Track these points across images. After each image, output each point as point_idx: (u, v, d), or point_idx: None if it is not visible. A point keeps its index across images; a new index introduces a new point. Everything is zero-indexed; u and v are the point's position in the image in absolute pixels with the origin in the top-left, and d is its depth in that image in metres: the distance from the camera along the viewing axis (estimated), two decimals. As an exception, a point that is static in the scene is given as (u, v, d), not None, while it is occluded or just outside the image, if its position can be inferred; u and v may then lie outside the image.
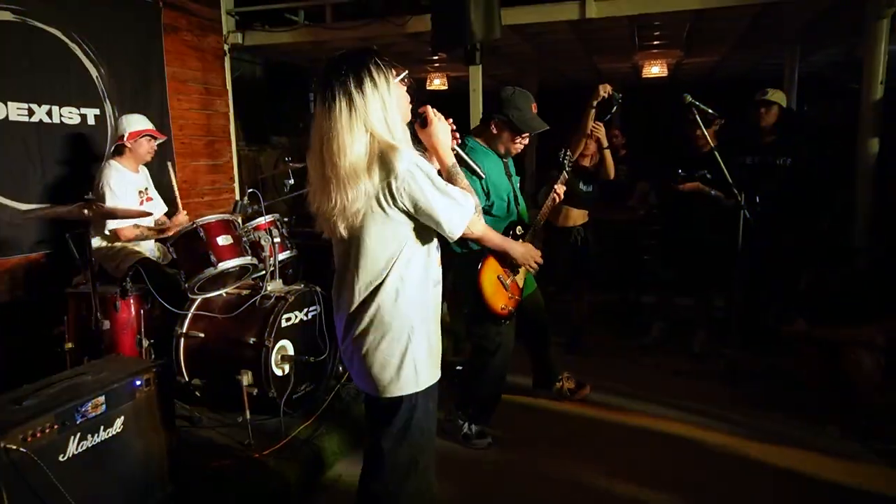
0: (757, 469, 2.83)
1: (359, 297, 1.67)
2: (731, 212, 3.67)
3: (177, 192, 3.67)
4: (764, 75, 7.63)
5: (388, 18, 5.00)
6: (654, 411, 3.42)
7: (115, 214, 3.13)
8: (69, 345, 3.06)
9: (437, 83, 7.70)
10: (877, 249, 3.84)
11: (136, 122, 3.51)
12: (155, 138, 3.59)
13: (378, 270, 1.65)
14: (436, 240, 1.78)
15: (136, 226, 3.44)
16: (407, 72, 1.75)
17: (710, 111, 3.66)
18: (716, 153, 3.58)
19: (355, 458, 2.95)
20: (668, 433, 3.17)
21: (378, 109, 1.59)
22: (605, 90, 3.39)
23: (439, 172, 1.76)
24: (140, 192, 3.54)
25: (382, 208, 1.60)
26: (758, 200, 3.63)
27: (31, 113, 3.72)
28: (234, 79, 5.68)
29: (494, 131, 2.86)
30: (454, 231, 1.67)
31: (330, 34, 5.28)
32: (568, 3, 4.47)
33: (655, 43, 6.05)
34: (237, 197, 5.28)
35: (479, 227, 2.00)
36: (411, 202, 1.60)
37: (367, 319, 1.67)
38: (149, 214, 3.35)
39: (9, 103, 3.59)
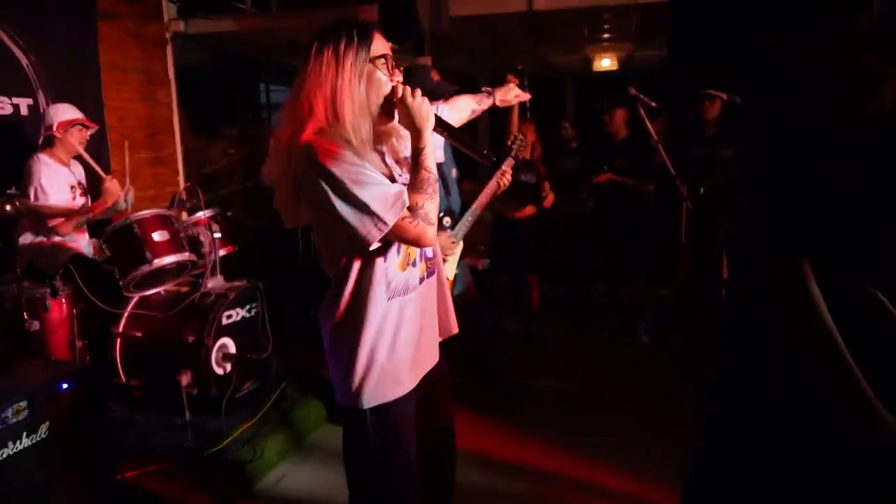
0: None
1: None
2: (667, 203, 3.76)
3: (126, 173, 3.46)
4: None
5: (335, 7, 4.90)
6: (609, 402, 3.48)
7: (38, 211, 2.98)
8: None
9: (390, 74, 7.62)
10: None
11: (64, 112, 3.33)
12: (87, 127, 3.43)
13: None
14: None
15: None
16: (388, 55, 1.53)
17: (653, 104, 3.71)
18: (658, 145, 3.64)
19: (298, 459, 2.92)
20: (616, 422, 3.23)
21: (325, 83, 1.43)
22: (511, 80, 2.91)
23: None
24: (72, 186, 3.38)
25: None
26: (702, 192, 3.72)
27: (-46, 103, 3.52)
28: (180, 68, 5.49)
29: None
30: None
31: (276, 22, 5.17)
32: (515, -6, 4.48)
33: (605, 36, 6.11)
34: (188, 192, 5.13)
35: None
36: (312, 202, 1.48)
37: None
38: (73, 211, 3.19)
39: (-73, 93, 3.40)
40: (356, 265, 1.52)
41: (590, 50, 6.76)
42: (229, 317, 3.10)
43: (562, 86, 9.59)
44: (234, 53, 6.83)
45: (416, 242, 1.51)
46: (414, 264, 1.60)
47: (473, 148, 1.73)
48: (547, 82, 9.54)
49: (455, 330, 1.82)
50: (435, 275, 1.70)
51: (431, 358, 1.71)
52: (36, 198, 3.13)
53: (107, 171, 4.33)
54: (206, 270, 3.16)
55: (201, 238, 3.15)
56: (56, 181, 3.27)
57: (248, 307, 3.23)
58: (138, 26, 4.97)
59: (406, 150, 1.60)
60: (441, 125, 1.62)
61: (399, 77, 1.57)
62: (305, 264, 4.65)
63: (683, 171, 3.73)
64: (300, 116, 1.45)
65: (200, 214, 3.29)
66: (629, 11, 4.92)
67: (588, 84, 8.90)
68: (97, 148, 4.33)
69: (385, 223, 1.42)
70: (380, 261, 1.51)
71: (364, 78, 1.46)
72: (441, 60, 7.08)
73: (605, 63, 6.98)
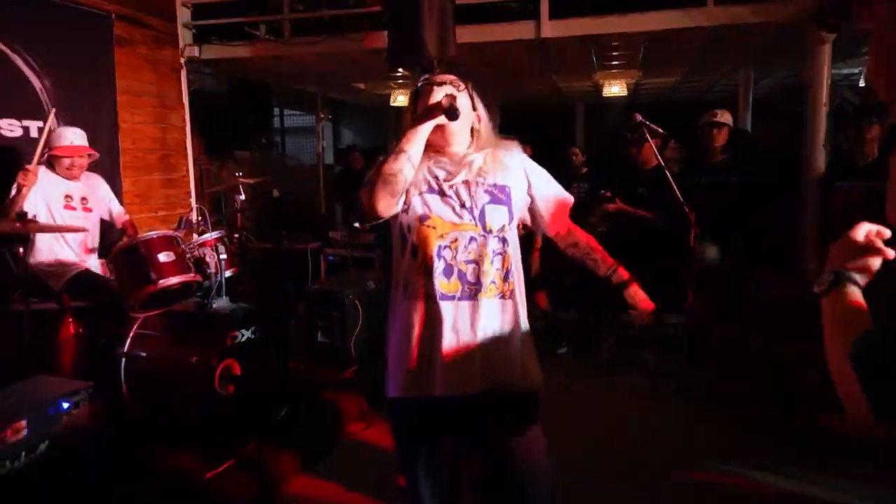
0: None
1: None
2: (672, 231, 3.74)
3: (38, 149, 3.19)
4: (720, 97, 7.84)
5: (345, 34, 4.99)
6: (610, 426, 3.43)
7: (49, 230, 3.02)
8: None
9: (402, 99, 7.71)
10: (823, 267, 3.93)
11: (56, 137, 3.34)
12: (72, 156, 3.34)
13: None
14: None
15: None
16: (427, 77, 1.76)
17: (660, 130, 3.72)
18: (666, 171, 3.63)
19: (305, 477, 2.89)
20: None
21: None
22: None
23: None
24: (67, 195, 3.35)
25: None
26: (707, 218, 3.70)
27: (-36, 126, 3.59)
28: (194, 92, 5.60)
29: None
30: None
31: (288, 49, 5.26)
32: (522, 23, 4.53)
33: (614, 63, 6.16)
34: (196, 214, 5.19)
35: None
36: None
37: None
38: (79, 230, 3.21)
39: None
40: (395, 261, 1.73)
41: (599, 76, 6.81)
42: (234, 338, 3.09)
43: (572, 111, 9.64)
44: (247, 78, 6.95)
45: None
46: (429, 273, 1.62)
47: None
48: (555, 108, 9.62)
49: (520, 385, 1.69)
50: (479, 304, 1.64)
51: (465, 386, 1.63)
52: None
53: (119, 193, 4.41)
54: (211, 291, 3.17)
55: (207, 259, 3.17)
56: (40, 183, 3.18)
57: (253, 328, 3.23)
58: (153, 51, 5.08)
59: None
60: None
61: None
62: (313, 286, 4.66)
63: (691, 198, 3.72)
64: None
65: (207, 236, 3.32)
66: (635, 39, 4.96)
67: (599, 109, 8.95)
68: (110, 169, 4.41)
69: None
70: (400, 260, 1.70)
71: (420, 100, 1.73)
72: (450, 87, 7.19)
73: (615, 89, 7.03)
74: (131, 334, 3.15)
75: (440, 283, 1.62)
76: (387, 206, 1.60)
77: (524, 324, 1.73)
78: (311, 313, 4.25)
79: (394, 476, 2.69)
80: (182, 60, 5.35)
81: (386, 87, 7.61)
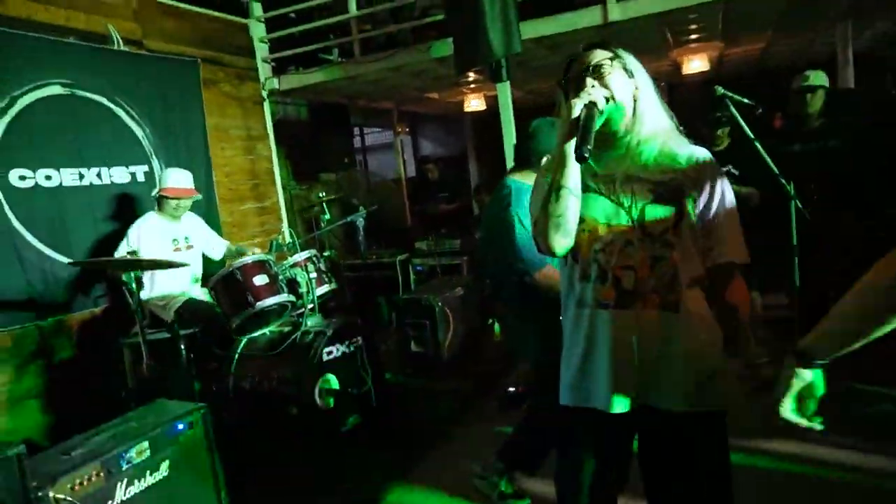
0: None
1: None
2: (773, 206, 3.48)
3: None
4: (816, 58, 7.24)
5: (413, 46, 5.06)
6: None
7: (158, 266, 3.26)
8: (125, 391, 3.19)
9: (475, 104, 7.72)
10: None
11: (165, 178, 3.68)
12: (180, 197, 3.67)
13: None
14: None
15: None
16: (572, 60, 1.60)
17: (745, 101, 3.48)
18: (757, 145, 3.40)
19: (403, 483, 2.94)
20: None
21: None
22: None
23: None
24: (174, 239, 3.67)
25: None
26: (813, 188, 3.43)
27: (81, 177, 3.96)
28: (277, 121, 5.89)
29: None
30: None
31: (360, 68, 5.40)
32: (588, 10, 4.40)
33: (692, 37, 5.85)
34: (287, 236, 5.44)
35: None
36: None
37: None
38: (181, 265, 3.45)
39: (62, 170, 3.84)
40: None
41: (677, 53, 6.49)
42: (329, 353, 3.21)
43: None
44: (325, 102, 7.22)
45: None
46: (587, 279, 1.53)
47: None
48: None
49: (681, 407, 1.49)
50: (636, 315, 1.49)
51: (618, 401, 1.51)
52: (120, 248, 3.45)
53: (217, 225, 4.72)
54: (304, 309, 3.30)
55: (298, 279, 3.31)
56: (150, 230, 3.58)
57: (347, 343, 3.33)
58: (236, 88, 5.40)
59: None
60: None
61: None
62: (403, 296, 4.75)
63: (790, 168, 3.45)
64: None
65: (297, 257, 3.47)
66: (712, 7, 4.68)
67: (680, 87, 8.53)
68: (208, 203, 4.71)
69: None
70: (563, 263, 1.62)
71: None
72: (522, 84, 7.11)
73: (696, 65, 6.67)
74: (236, 356, 3.34)
75: (596, 290, 1.51)
76: (564, 245, 1.49)
77: (700, 340, 1.50)
78: (402, 323, 4.33)
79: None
80: (263, 93, 5.65)
81: (458, 93, 7.64)
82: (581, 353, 1.55)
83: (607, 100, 1.47)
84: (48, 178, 3.77)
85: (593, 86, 1.48)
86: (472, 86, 7.23)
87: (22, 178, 3.64)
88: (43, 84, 3.78)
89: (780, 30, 5.86)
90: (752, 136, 3.49)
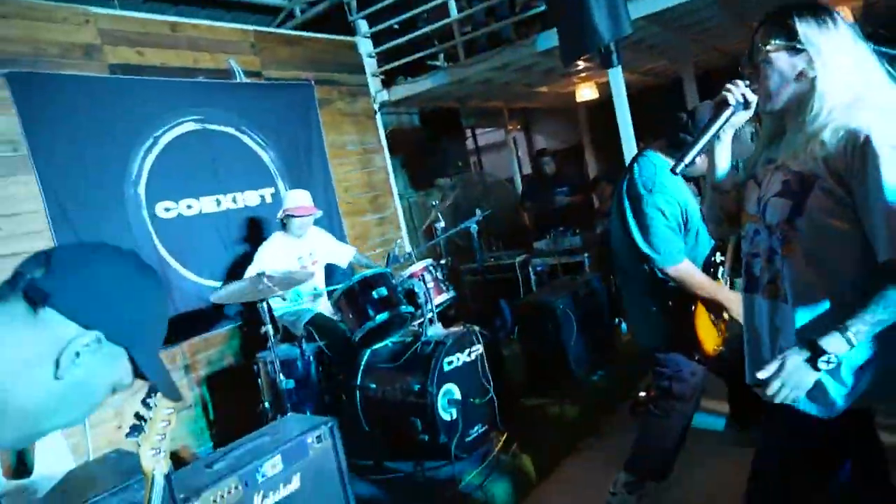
0: None
1: None
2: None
3: None
4: None
5: (517, 42, 4.95)
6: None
7: (289, 284, 3.41)
8: (263, 405, 3.37)
9: (587, 94, 7.43)
10: None
11: (287, 200, 3.87)
12: (303, 215, 3.83)
13: None
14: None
15: None
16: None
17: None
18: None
19: (539, 490, 2.84)
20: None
21: None
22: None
23: None
24: (300, 257, 3.83)
25: None
26: None
27: (218, 203, 4.28)
28: (390, 131, 6.02)
29: None
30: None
31: (466, 71, 5.37)
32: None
33: (830, -11, 5.20)
34: (407, 246, 5.53)
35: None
36: None
37: None
38: (305, 280, 3.55)
39: (201, 198, 4.18)
40: None
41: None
42: (450, 363, 3.18)
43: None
44: (436, 108, 7.28)
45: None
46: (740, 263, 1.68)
47: None
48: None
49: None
50: (754, 301, 1.58)
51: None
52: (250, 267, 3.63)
53: (341, 236, 4.90)
54: (423, 319, 3.31)
55: (416, 289, 3.32)
56: (276, 251, 3.76)
57: (467, 351, 3.29)
58: (349, 104, 5.58)
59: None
60: None
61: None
62: (524, 299, 4.65)
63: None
64: None
65: (413, 268, 3.49)
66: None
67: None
68: (330, 218, 4.91)
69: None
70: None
71: None
72: (636, 66, 6.72)
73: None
74: (361, 367, 3.42)
75: (742, 274, 1.65)
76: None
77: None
78: (524, 327, 4.23)
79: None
80: (375, 106, 5.79)
81: (569, 84, 7.39)
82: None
83: (745, 104, 1.50)
84: (189, 206, 4.11)
85: (733, 91, 1.51)
86: (583, 74, 6.96)
87: (167, 209, 3.99)
88: (179, 122, 4.13)
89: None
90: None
